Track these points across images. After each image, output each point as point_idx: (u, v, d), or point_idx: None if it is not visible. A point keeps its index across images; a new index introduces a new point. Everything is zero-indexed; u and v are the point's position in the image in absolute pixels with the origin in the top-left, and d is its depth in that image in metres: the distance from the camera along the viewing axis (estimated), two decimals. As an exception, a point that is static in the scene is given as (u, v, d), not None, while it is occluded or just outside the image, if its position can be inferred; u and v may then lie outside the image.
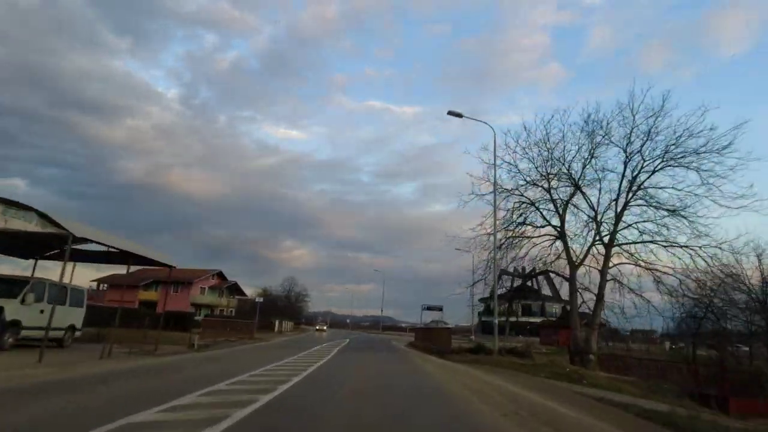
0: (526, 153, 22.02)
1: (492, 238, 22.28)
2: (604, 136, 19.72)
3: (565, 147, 20.66)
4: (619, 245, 20.25)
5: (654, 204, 19.70)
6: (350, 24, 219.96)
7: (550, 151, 21.24)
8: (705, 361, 19.19)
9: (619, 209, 19.74)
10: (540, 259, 22.58)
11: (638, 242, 19.73)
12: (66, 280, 14.58)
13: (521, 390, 9.57)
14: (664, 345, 47.18)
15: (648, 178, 19.28)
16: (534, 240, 22.72)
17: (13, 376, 7.85)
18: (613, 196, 20.61)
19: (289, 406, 6.53)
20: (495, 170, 20.66)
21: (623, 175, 19.61)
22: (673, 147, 18.02)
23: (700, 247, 17.95)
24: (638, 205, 20.24)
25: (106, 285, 59.99)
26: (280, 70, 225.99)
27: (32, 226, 11.03)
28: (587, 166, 20.42)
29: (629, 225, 20.29)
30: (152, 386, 7.90)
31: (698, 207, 18.21)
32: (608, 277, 19.43)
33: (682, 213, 18.76)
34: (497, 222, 20.71)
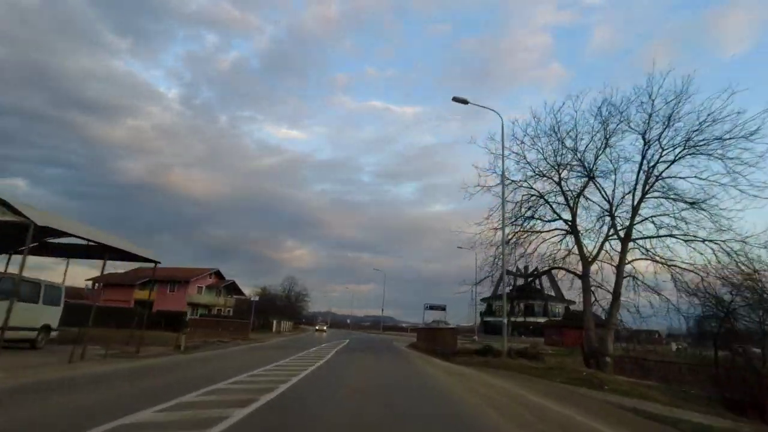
0: (535, 143, 20.81)
1: (498, 233, 21.09)
2: (619, 123, 18.45)
3: (577, 135, 19.41)
4: (635, 240, 19.00)
5: (672, 196, 18.46)
6: (351, 24, 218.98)
7: (560, 140, 20.01)
8: (727, 364, 17.93)
9: (636, 201, 18.49)
10: (549, 256, 21.38)
11: (657, 236, 18.49)
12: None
13: (543, 399, 8.35)
14: (670, 346, 45.99)
15: (667, 168, 18.03)
16: (543, 235, 21.48)
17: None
18: (629, 188, 19.39)
19: (271, 424, 5.33)
20: (503, 160, 19.45)
21: (641, 164, 18.34)
22: (695, 134, 16.75)
23: (723, 241, 16.70)
24: (654, 197, 19.01)
25: (101, 284, 58.62)
26: (281, 70, 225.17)
27: (-12, 213, 9.84)
28: (601, 156, 19.17)
29: (645, 219, 19.05)
30: (109, 397, 6.69)
31: (722, 198, 16.93)
32: (624, 273, 18.18)
33: (703, 205, 17.52)
34: (505, 216, 19.47)
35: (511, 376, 12.14)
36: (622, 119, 18.29)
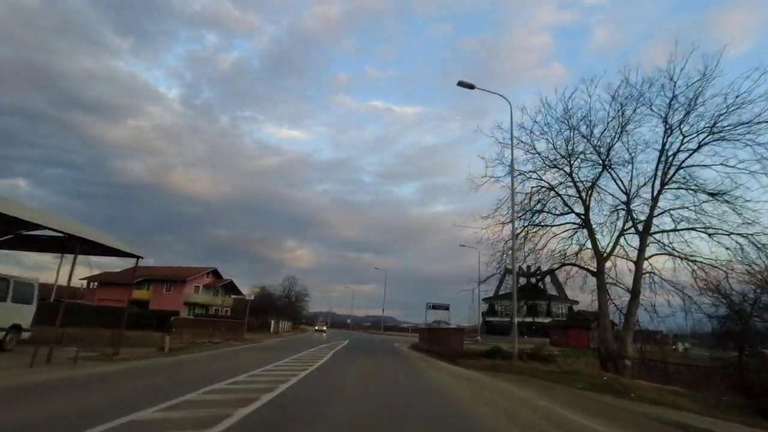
0: (544, 133, 19.54)
1: (505, 228, 19.86)
2: (637, 106, 17.12)
3: (591, 122, 18.13)
4: (652, 234, 17.72)
5: (692, 187, 17.17)
6: (351, 24, 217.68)
7: (572, 128, 18.74)
8: (757, 367, 16.66)
9: (655, 192, 17.20)
10: (559, 252, 20.12)
11: (677, 230, 17.18)
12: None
13: (572, 414, 7.12)
14: (677, 346, 44.69)
15: (689, 156, 16.74)
16: (553, 230, 20.22)
17: None
18: (645, 179, 18.13)
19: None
20: (512, 148, 18.20)
21: (662, 152, 17.02)
22: (722, 117, 15.44)
23: (752, 234, 15.44)
24: (672, 189, 17.72)
25: (96, 283, 57.56)
26: (282, 70, 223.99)
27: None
28: (617, 144, 17.89)
29: (664, 211, 17.77)
30: (51, 413, 5.46)
31: (751, 186, 15.69)
32: (642, 270, 16.92)
33: (726, 197, 16.25)
34: (513, 209, 18.22)
35: (527, 382, 10.89)
36: (641, 101, 16.96)
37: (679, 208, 17.69)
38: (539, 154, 19.66)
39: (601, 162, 18.26)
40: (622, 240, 18.84)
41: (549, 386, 10.49)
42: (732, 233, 15.88)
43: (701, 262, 16.45)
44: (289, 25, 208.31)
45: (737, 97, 15.17)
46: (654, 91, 16.69)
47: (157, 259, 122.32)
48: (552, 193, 19.89)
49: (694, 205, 17.17)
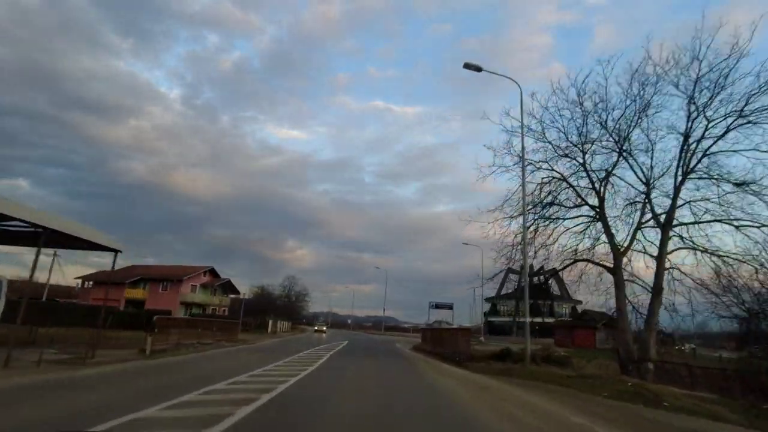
0: (555, 120, 18.30)
1: (513, 222, 18.65)
2: (658, 83, 15.82)
3: (608, 106, 16.86)
4: (674, 227, 16.48)
5: (715, 176, 15.92)
6: (352, 23, 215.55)
7: (585, 115, 17.49)
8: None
9: (678, 181, 15.95)
10: (570, 248, 18.89)
11: (702, 222, 15.93)
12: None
13: None
14: (683, 347, 43.39)
15: (715, 142, 15.47)
16: (565, 223, 18.98)
17: None
18: (663, 169, 16.90)
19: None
20: (523, 135, 16.96)
21: (686, 137, 15.75)
22: (753, 98, 14.14)
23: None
24: (693, 179, 16.46)
25: (91, 282, 56.46)
26: (283, 70, 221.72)
27: None
28: (635, 129, 16.63)
29: (686, 202, 16.53)
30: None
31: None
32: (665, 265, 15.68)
33: (753, 186, 15.00)
34: (524, 198, 16.98)
35: (547, 390, 9.64)
36: (665, 79, 15.61)
37: (699, 200, 16.49)
38: (550, 143, 18.46)
39: (617, 149, 17.01)
40: (638, 234, 17.66)
41: (573, 395, 9.24)
42: (763, 225, 14.64)
43: (728, 257, 15.22)
44: (290, 25, 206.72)
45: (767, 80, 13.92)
46: (677, 72, 15.40)
47: (158, 258, 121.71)
48: (564, 185, 18.68)
49: (718, 196, 15.95)
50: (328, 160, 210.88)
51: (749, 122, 14.56)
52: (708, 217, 16.22)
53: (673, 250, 16.39)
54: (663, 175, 17.09)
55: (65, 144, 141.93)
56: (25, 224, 11.37)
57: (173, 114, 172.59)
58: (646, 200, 16.83)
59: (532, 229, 18.49)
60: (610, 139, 17.03)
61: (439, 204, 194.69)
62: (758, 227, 14.76)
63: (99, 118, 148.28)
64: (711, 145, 15.53)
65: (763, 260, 14.99)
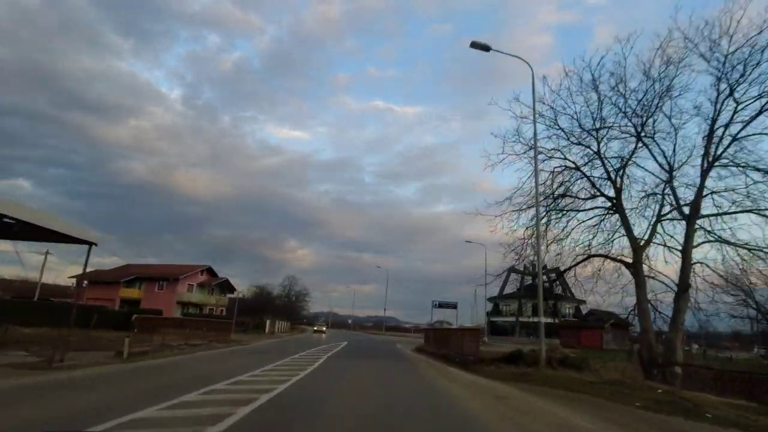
0: (568, 106, 17.03)
1: (521, 216, 17.41)
2: (678, 72, 14.62)
3: (626, 88, 15.58)
4: (700, 218, 15.22)
5: (742, 164, 14.66)
6: (352, 24, 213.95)
7: (601, 98, 16.23)
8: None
9: (704, 168, 14.68)
10: (583, 243, 17.65)
11: (732, 212, 14.66)
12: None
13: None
14: (691, 348, 42.20)
15: (744, 126, 14.21)
16: (578, 216, 17.74)
17: None
18: (686, 155, 15.65)
19: None
20: (535, 121, 15.70)
21: (714, 120, 14.48)
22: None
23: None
24: (718, 167, 15.20)
25: (86, 282, 55.17)
26: (283, 70, 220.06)
27: None
28: (656, 112, 15.35)
29: (712, 192, 15.28)
30: None
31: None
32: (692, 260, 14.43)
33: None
34: (537, 186, 15.74)
35: (571, 400, 8.39)
36: (693, 52, 14.26)
37: (723, 191, 15.23)
38: (562, 129, 17.20)
39: (636, 134, 15.73)
40: (658, 227, 16.41)
41: (602, 405, 7.99)
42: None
43: (761, 250, 13.95)
44: (290, 25, 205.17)
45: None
46: (707, 45, 14.08)
47: (158, 258, 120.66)
48: (577, 174, 17.43)
49: (746, 186, 14.69)
50: (328, 160, 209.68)
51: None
52: (734, 208, 14.98)
53: (698, 244, 15.13)
54: (684, 163, 15.86)
55: (65, 144, 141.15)
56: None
57: (173, 114, 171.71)
58: (668, 190, 15.58)
59: (543, 222, 17.24)
60: (629, 124, 15.77)
61: (439, 204, 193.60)
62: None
63: (99, 118, 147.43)
64: (740, 130, 14.27)
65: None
